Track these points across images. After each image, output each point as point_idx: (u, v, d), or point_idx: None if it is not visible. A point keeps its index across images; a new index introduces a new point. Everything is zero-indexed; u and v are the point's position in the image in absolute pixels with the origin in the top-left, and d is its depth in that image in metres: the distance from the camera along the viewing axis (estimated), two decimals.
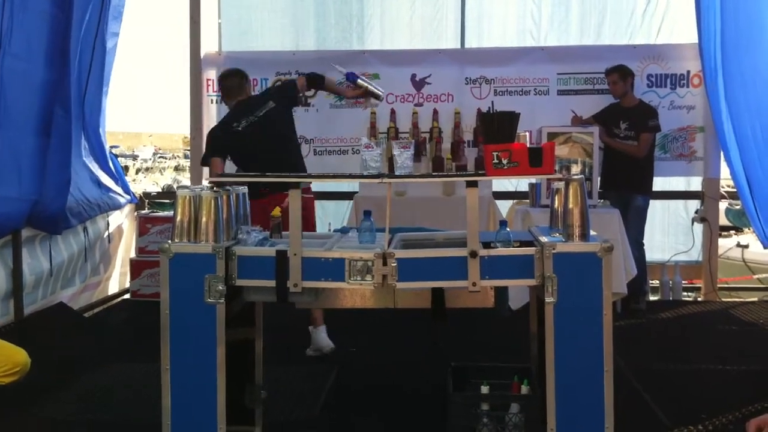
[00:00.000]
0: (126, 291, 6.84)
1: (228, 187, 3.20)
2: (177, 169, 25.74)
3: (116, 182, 6.68)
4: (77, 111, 5.86)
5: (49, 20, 5.27)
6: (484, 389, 3.28)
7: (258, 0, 7.21)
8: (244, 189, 3.33)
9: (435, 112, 6.74)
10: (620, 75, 6.20)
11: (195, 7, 7.00)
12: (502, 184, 6.75)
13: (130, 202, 6.93)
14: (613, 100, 6.40)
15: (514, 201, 6.67)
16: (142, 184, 18.57)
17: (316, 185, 5.47)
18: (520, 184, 6.69)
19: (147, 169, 25.00)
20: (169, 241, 2.99)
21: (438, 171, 6.21)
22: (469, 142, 6.74)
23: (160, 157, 29.78)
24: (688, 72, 6.75)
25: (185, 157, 27.76)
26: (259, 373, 3.54)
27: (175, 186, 16.80)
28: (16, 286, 5.17)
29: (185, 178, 21.89)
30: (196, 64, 6.99)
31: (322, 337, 4.91)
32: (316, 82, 4.94)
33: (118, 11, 6.50)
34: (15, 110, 5.00)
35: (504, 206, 6.58)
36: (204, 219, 2.98)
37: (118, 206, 6.63)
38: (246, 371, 3.45)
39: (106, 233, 6.52)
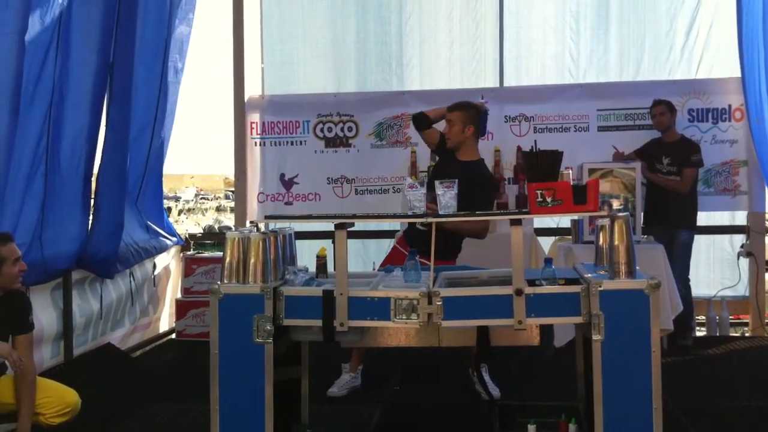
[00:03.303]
0: (172, 331, 6.92)
1: (275, 229, 3.27)
2: (218, 209, 26.05)
3: (162, 227, 6.80)
4: (135, 157, 6.03)
5: (96, 69, 5.43)
6: (531, 428, 3.26)
7: (300, 45, 7.36)
8: (291, 230, 3.39)
9: None
10: (668, 107, 6.19)
11: (238, 53, 7.16)
12: (543, 220, 6.74)
13: (177, 244, 7.05)
14: (654, 135, 6.38)
15: (556, 237, 6.65)
16: (184, 225, 18.81)
17: (359, 224, 5.54)
18: (562, 220, 6.66)
19: (189, 210, 25.32)
20: (219, 282, 3.05)
21: None
22: (509, 180, 6.75)
23: (201, 198, 30.18)
24: (730, 106, 6.71)
25: (226, 197, 28.09)
26: (305, 411, 3.57)
27: (216, 226, 16.98)
28: (67, 328, 5.27)
29: (226, 219, 22.10)
30: (240, 107, 7.13)
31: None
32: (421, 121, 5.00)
33: (180, 71, 6.75)
34: (66, 155, 5.16)
35: (546, 242, 6.55)
36: (252, 260, 3.05)
37: (165, 249, 6.74)
38: (292, 410, 3.48)
39: (154, 274, 6.63)
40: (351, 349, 4.90)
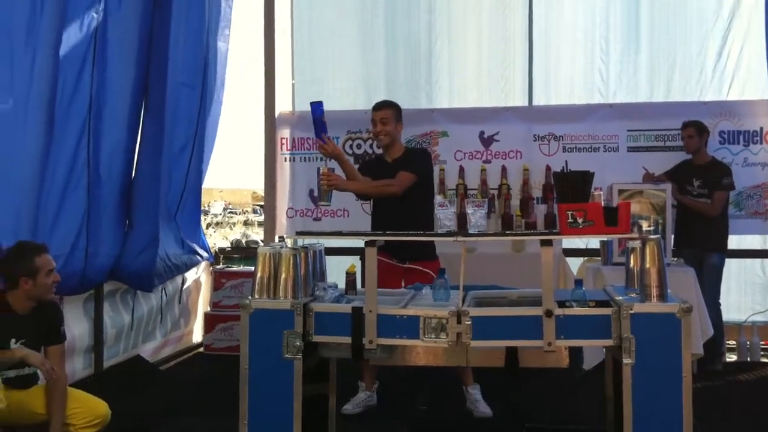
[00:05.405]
0: (200, 345, 6.97)
1: (306, 245, 3.29)
2: (246, 223, 26.27)
3: (198, 243, 6.83)
4: (176, 173, 6.10)
5: (133, 82, 5.51)
6: None
7: (330, 61, 7.44)
8: (321, 246, 3.42)
9: (503, 168, 6.78)
10: (696, 130, 6.15)
11: (270, 69, 7.22)
12: (572, 241, 6.71)
13: (208, 260, 7.08)
14: (685, 157, 6.34)
15: (585, 258, 6.62)
16: (212, 239, 19.01)
17: None
18: (591, 241, 6.63)
19: (217, 224, 25.55)
20: (250, 297, 3.08)
21: (507, 228, 6.21)
22: (537, 199, 6.74)
23: (230, 212, 30.45)
24: (761, 128, 6.65)
25: (254, 212, 28.34)
26: (332, 428, 3.58)
27: (244, 241, 17.15)
28: (98, 339, 5.33)
29: (254, 233, 22.28)
30: (271, 123, 7.19)
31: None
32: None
33: (220, 87, 6.83)
34: (105, 168, 5.20)
35: (574, 263, 6.52)
36: (283, 276, 3.07)
37: (195, 264, 6.78)
38: (320, 426, 3.49)
39: (185, 287, 6.68)
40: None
